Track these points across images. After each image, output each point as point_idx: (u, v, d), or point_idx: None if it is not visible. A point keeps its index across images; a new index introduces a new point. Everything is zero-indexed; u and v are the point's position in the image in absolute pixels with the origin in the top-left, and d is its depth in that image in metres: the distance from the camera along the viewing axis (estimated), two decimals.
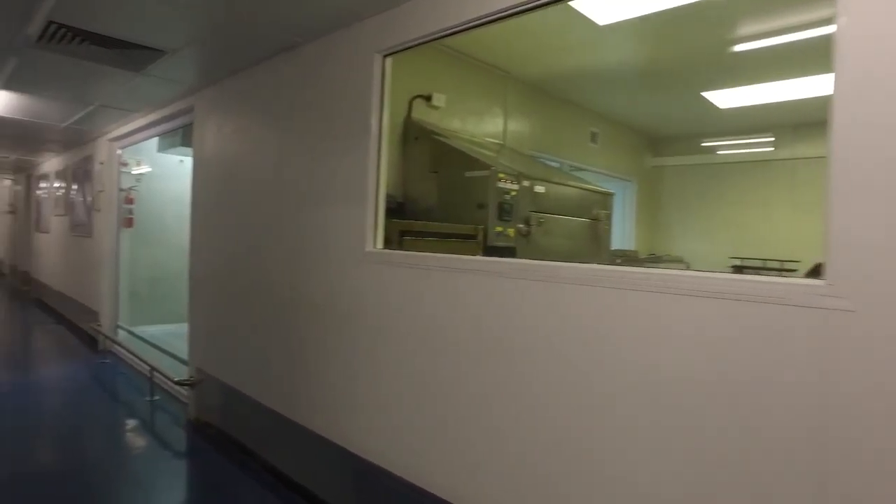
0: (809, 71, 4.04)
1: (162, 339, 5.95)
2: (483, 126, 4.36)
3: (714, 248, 6.12)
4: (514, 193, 3.44)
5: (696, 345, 1.61)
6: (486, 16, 2.24)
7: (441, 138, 3.57)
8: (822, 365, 1.38)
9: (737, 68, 4.17)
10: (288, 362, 3.29)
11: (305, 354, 3.14)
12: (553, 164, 5.14)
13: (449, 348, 2.32)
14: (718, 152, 6.42)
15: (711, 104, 5.00)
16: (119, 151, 6.56)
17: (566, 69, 4.44)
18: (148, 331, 6.43)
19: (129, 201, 6.71)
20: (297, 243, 3.24)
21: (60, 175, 8.86)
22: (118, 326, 6.59)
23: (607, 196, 4.41)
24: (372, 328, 2.70)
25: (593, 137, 5.75)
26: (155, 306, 6.91)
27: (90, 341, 6.73)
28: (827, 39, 1.47)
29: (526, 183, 3.54)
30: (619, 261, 5.03)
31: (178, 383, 4.45)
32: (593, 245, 4.18)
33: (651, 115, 5.96)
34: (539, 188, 3.67)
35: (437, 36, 2.49)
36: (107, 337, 6.37)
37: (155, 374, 4.93)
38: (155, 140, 6.19)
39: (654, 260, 5.92)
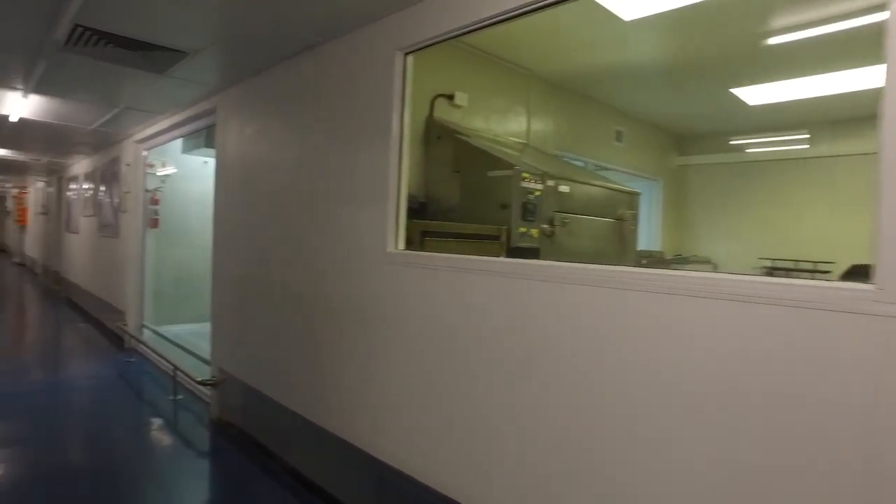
0: (853, 63, 3.86)
1: (186, 338, 6.02)
2: (506, 125, 4.30)
3: (742, 249, 5.96)
4: (537, 193, 3.37)
5: (726, 354, 1.53)
6: (509, 11, 2.18)
7: (463, 137, 3.52)
8: (871, 378, 1.29)
9: (770, 63, 4.03)
10: (308, 363, 3.27)
11: (325, 356, 3.12)
12: (577, 163, 5.05)
13: (474, 352, 2.27)
14: (747, 150, 6.25)
15: (740, 101, 4.85)
16: (144, 153, 6.65)
17: (590, 66, 4.35)
18: (172, 330, 6.51)
19: (155, 202, 6.80)
20: (317, 244, 3.22)
21: (89, 177, 9.04)
22: (143, 326, 6.68)
23: (633, 196, 4.31)
24: (392, 330, 2.66)
25: (618, 136, 5.64)
26: (179, 306, 6.99)
27: (117, 340, 6.84)
28: (877, 28, 1.38)
29: (550, 182, 3.47)
30: (644, 262, 4.93)
31: (201, 383, 4.48)
32: (619, 246, 4.08)
33: (677, 113, 5.83)
34: (563, 188, 3.59)
35: (458, 33, 2.44)
36: (132, 336, 6.46)
37: (178, 373, 4.98)
38: (179, 141, 6.26)
39: (680, 261, 5.78)
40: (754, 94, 4.69)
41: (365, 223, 2.83)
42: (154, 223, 6.80)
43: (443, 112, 3.71)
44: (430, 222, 3.03)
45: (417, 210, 3.26)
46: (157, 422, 4.51)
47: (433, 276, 2.45)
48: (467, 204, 3.39)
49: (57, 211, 12.05)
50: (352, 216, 2.94)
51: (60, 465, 3.59)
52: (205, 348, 4.73)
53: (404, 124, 2.70)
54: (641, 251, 5.07)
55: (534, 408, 2.03)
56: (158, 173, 6.84)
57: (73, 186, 10.44)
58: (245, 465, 3.63)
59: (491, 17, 2.26)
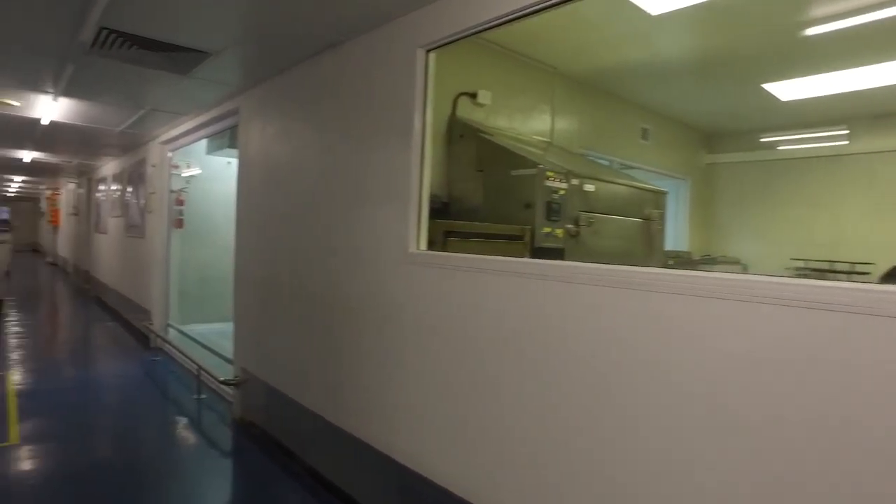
0: None
1: (210, 338, 6.07)
2: (530, 124, 4.23)
3: (773, 250, 5.78)
4: (562, 192, 3.29)
5: (757, 359, 1.44)
6: (532, 6, 2.12)
7: (487, 136, 3.46)
8: None
9: (807, 56, 3.87)
10: (327, 364, 3.25)
11: (344, 357, 3.09)
12: (602, 162, 4.95)
13: (494, 354, 2.21)
14: (779, 148, 6.06)
15: (772, 96, 4.70)
16: (170, 154, 6.74)
17: (616, 63, 4.25)
18: (197, 329, 6.57)
19: (180, 203, 6.88)
20: (337, 244, 3.19)
21: (117, 178, 9.20)
22: (168, 325, 6.76)
23: (660, 194, 4.20)
24: (411, 331, 2.62)
25: (644, 134, 5.51)
26: (204, 305, 7.06)
27: (143, 339, 6.94)
28: None
29: (575, 181, 3.39)
30: (671, 263, 4.81)
31: (224, 382, 4.50)
32: (646, 246, 3.98)
33: (705, 110, 5.67)
34: (589, 187, 3.51)
35: (480, 28, 2.38)
36: (157, 335, 6.55)
37: (202, 372, 5.01)
38: (204, 142, 6.31)
39: (708, 261, 5.63)
40: (788, 90, 4.53)
41: (386, 223, 2.79)
42: (179, 223, 6.88)
43: (465, 111, 3.66)
44: (452, 222, 2.98)
45: (440, 210, 3.22)
46: (181, 420, 4.55)
47: (455, 277, 2.40)
48: (491, 203, 3.33)
49: (87, 212, 12.33)
50: (373, 216, 2.90)
51: (90, 461, 3.65)
52: (228, 348, 4.75)
53: (426, 122, 2.66)
54: (668, 251, 4.94)
55: (551, 410, 1.96)
56: (183, 174, 6.92)
57: (101, 188, 10.66)
58: (266, 466, 3.62)
59: (513, 12, 2.20)
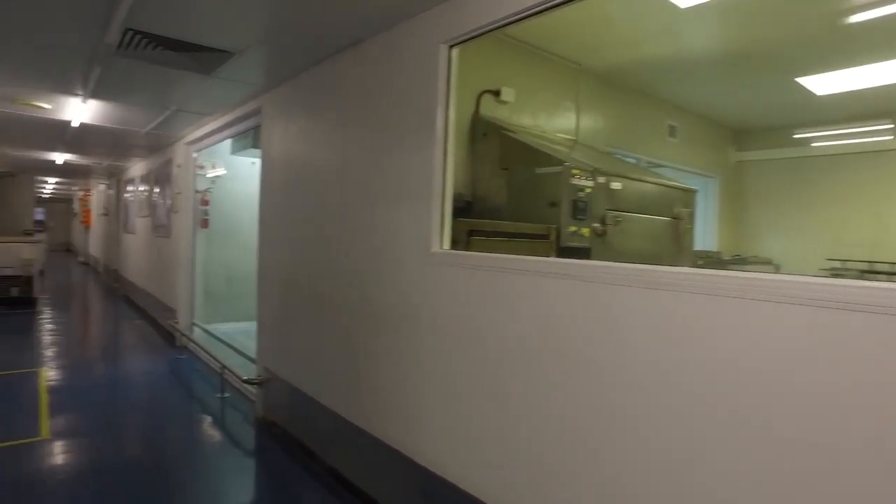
0: None
1: (234, 336, 6.12)
2: (554, 121, 4.15)
3: (808, 249, 5.58)
4: (588, 191, 3.21)
5: (795, 365, 1.36)
6: None
7: (511, 134, 3.39)
8: None
9: (846, 47, 3.70)
10: (349, 365, 3.22)
11: (367, 357, 3.06)
12: (629, 160, 4.84)
13: (522, 357, 2.15)
14: (813, 144, 5.86)
15: (807, 91, 4.53)
16: (195, 155, 6.81)
17: (642, 58, 4.14)
18: (221, 328, 6.63)
19: (205, 203, 6.96)
20: (360, 244, 3.16)
21: (144, 179, 9.36)
22: (193, 324, 6.84)
23: (689, 193, 4.08)
24: (435, 332, 2.57)
25: (672, 131, 5.38)
26: (228, 305, 7.13)
27: (169, 337, 7.04)
28: None
29: (601, 179, 3.31)
30: (700, 263, 4.67)
31: (246, 381, 4.52)
32: (674, 245, 3.87)
33: (735, 106, 5.51)
34: (615, 185, 3.42)
35: (503, 23, 2.32)
36: (182, 334, 6.62)
37: (226, 371, 5.04)
38: (228, 143, 6.37)
39: (739, 262, 5.47)
40: (825, 83, 4.36)
41: (408, 222, 2.75)
42: (204, 223, 6.96)
43: (489, 109, 3.60)
44: (476, 220, 2.93)
45: (463, 209, 3.17)
46: (205, 419, 4.58)
47: (478, 277, 2.35)
48: (515, 202, 3.27)
49: (116, 212, 12.58)
50: (395, 216, 2.86)
51: (117, 457, 3.70)
52: (252, 347, 4.77)
53: (449, 119, 2.61)
54: (697, 252, 4.81)
55: (579, 415, 1.89)
56: (208, 175, 6.99)
57: (130, 188, 10.86)
58: (288, 465, 3.62)
59: (538, 5, 2.14)
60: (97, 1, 2.82)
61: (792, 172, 5.96)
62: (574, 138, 4.29)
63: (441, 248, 2.58)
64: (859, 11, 3.17)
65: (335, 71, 3.46)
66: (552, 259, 2.24)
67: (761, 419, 1.45)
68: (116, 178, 12.64)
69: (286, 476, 3.51)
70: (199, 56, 3.52)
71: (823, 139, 5.74)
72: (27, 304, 9.31)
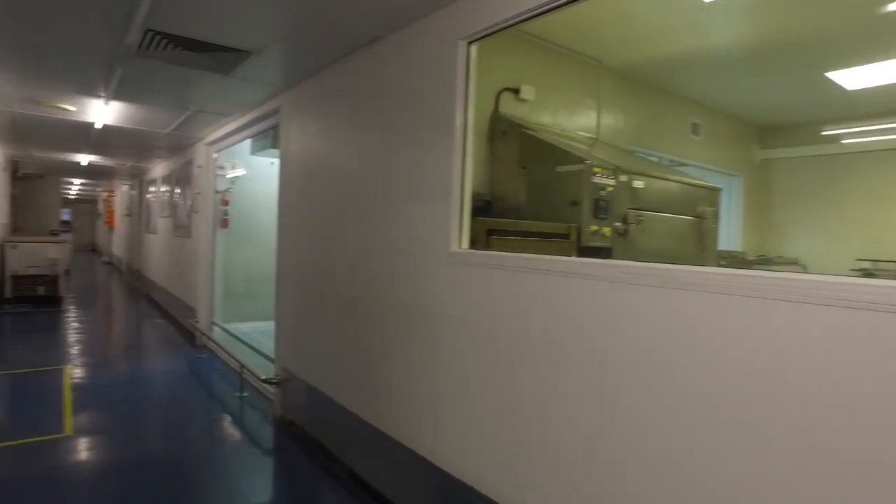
0: None
1: (253, 336, 6.15)
2: (575, 120, 4.08)
3: (836, 249, 5.43)
4: (610, 189, 3.14)
5: (830, 367, 1.29)
6: None
7: (531, 132, 3.34)
8: None
9: (882, 39, 3.56)
10: (367, 365, 3.20)
11: (386, 357, 3.03)
12: (651, 159, 4.75)
13: (543, 358, 2.11)
14: (842, 141, 5.69)
15: (837, 86, 4.40)
16: (215, 155, 6.87)
17: (665, 55, 4.06)
18: (241, 328, 6.68)
19: (225, 203, 7.01)
20: (378, 243, 3.14)
21: (166, 179, 9.48)
22: (213, 323, 6.90)
23: (714, 191, 3.99)
24: (454, 332, 2.53)
25: (695, 129, 5.27)
26: (248, 304, 7.17)
27: (189, 336, 7.11)
28: None
29: (623, 177, 3.24)
30: (724, 263, 4.57)
31: (264, 381, 4.53)
32: (698, 245, 3.78)
33: (761, 103, 5.38)
34: (638, 183, 3.35)
35: (524, 17, 2.28)
36: (202, 333, 6.68)
37: (244, 370, 5.07)
38: (248, 143, 6.41)
39: (764, 262, 5.34)
40: (857, 78, 4.22)
41: (427, 222, 2.72)
42: (224, 223, 7.01)
43: (508, 107, 3.55)
44: (495, 219, 2.88)
45: (482, 209, 3.12)
46: (224, 417, 4.61)
47: (498, 277, 2.31)
48: (535, 201, 3.22)
49: (138, 212, 12.78)
50: (413, 215, 2.83)
51: (137, 455, 3.73)
52: (270, 346, 4.79)
53: (468, 117, 2.57)
54: (721, 252, 4.71)
55: (606, 420, 1.84)
56: (228, 175, 7.04)
57: (151, 189, 11.02)
58: (306, 465, 3.61)
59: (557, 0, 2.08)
60: (118, 2, 2.84)
61: (819, 170, 5.80)
62: (595, 136, 4.22)
63: (460, 247, 2.55)
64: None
65: (353, 69, 3.44)
66: (574, 259, 2.19)
67: (794, 423, 1.39)
68: (139, 179, 12.84)
69: (305, 476, 3.51)
70: (218, 56, 3.54)
71: (853, 136, 5.57)
72: (53, 302, 9.49)
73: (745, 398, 1.49)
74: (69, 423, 4.16)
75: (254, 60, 3.60)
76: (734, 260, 4.88)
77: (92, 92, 4.83)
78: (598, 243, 3.07)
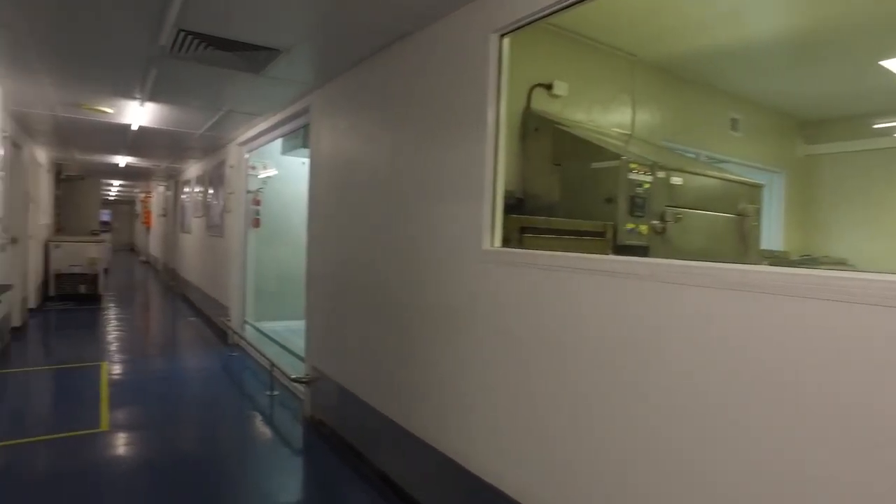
0: None
1: (284, 335, 6.19)
2: (609, 116, 3.97)
3: (889, 248, 5.16)
4: (647, 186, 3.04)
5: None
6: None
7: (564, 128, 3.25)
8: None
9: None
10: (398, 366, 3.15)
11: (416, 358, 2.98)
12: (688, 155, 4.59)
13: (576, 358, 2.02)
14: None
15: (893, 75, 4.15)
16: (246, 155, 6.95)
17: (703, 47, 3.91)
18: (272, 327, 6.74)
19: (256, 203, 7.09)
20: (408, 242, 3.10)
21: (199, 180, 9.66)
22: (245, 322, 6.98)
23: (756, 188, 3.83)
24: (487, 333, 2.47)
25: (734, 124, 5.09)
26: (279, 303, 7.23)
27: (221, 334, 7.20)
28: None
29: (661, 174, 3.12)
30: (766, 263, 4.38)
31: (294, 380, 4.54)
32: (740, 244, 3.63)
33: (806, 96, 5.15)
34: (676, 180, 3.23)
35: (556, 8, 2.19)
36: (234, 331, 6.76)
37: (275, 369, 5.09)
38: (279, 144, 6.46)
39: (809, 262, 5.12)
40: None
41: (459, 220, 2.66)
42: (256, 223, 7.09)
43: (540, 103, 3.47)
44: (528, 217, 2.81)
45: (514, 206, 3.05)
46: (255, 416, 4.63)
47: (533, 275, 2.23)
48: (569, 199, 3.13)
49: (173, 212, 13.07)
50: (445, 213, 2.78)
51: (170, 451, 3.79)
52: (302, 346, 4.80)
53: (500, 112, 2.50)
54: (763, 251, 4.52)
55: (645, 424, 1.75)
56: (260, 175, 7.12)
57: (186, 189, 11.24)
58: (336, 466, 3.60)
59: None
60: (151, 3, 2.86)
61: (869, 165, 5.52)
62: (629, 133, 4.10)
63: (492, 245, 2.48)
64: None
65: (382, 67, 3.40)
66: (613, 257, 2.10)
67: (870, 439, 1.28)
68: (174, 180, 13.13)
69: (335, 476, 3.49)
70: (249, 55, 3.55)
71: None
72: (93, 300, 9.77)
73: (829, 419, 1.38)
74: (105, 418, 4.24)
75: (284, 59, 3.60)
76: (777, 260, 4.67)
77: (128, 94, 4.93)
78: (633, 242, 2.97)
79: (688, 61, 4.23)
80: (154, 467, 3.50)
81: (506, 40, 2.50)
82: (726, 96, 4.99)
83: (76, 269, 9.73)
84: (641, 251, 2.96)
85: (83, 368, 5.69)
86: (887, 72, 4.08)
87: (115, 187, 19.38)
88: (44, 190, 9.65)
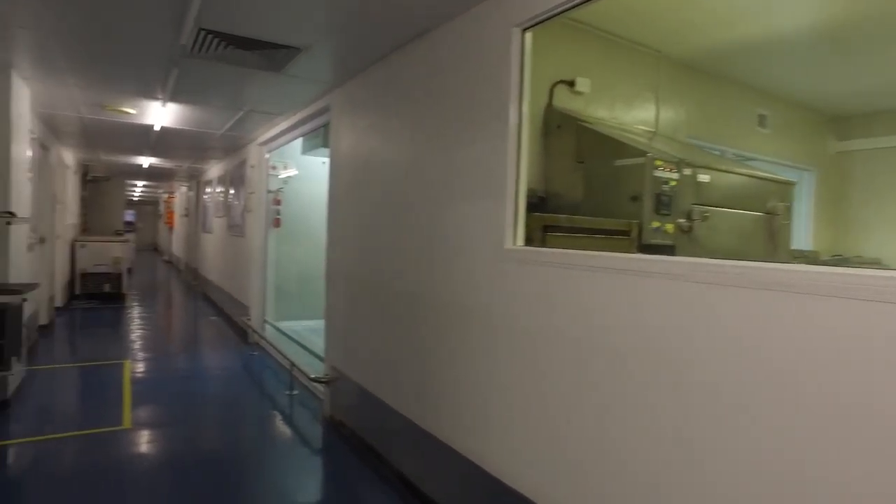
0: None
1: (304, 335, 6.20)
2: (632, 113, 3.88)
3: None
4: (673, 183, 2.95)
5: None
6: None
7: (588, 125, 3.19)
8: None
9: None
10: (418, 366, 3.12)
11: (436, 359, 2.94)
12: (714, 153, 4.48)
13: (607, 361, 1.96)
14: None
15: None
16: (267, 155, 6.98)
17: (729, 41, 3.80)
18: (292, 326, 6.75)
19: (277, 202, 7.11)
20: (430, 241, 3.05)
21: (221, 180, 9.75)
22: (265, 321, 7.01)
23: (786, 186, 3.71)
24: (508, 333, 2.41)
25: (761, 121, 4.95)
26: (299, 303, 7.24)
27: (242, 333, 7.25)
28: None
29: (687, 171, 3.04)
30: (797, 262, 4.25)
31: (314, 380, 4.53)
32: (769, 243, 3.52)
33: (838, 90, 4.99)
34: (703, 177, 3.14)
35: (580, 1, 2.13)
36: (254, 331, 6.80)
37: (294, 369, 5.09)
38: (300, 143, 6.47)
39: (840, 262, 4.96)
40: None
41: (480, 219, 2.61)
42: (277, 223, 7.11)
43: (562, 100, 3.41)
44: (551, 216, 2.74)
45: (536, 205, 2.99)
46: (274, 415, 4.64)
47: (557, 274, 2.17)
48: (592, 198, 3.06)
49: (195, 213, 13.22)
50: (466, 212, 2.73)
51: (191, 449, 3.81)
52: (322, 345, 4.79)
53: (523, 108, 2.45)
54: (793, 251, 4.39)
55: (673, 430, 1.68)
56: (280, 175, 7.14)
57: (207, 190, 11.36)
58: (355, 467, 3.57)
59: None
60: (171, 1, 2.87)
61: None
62: (653, 130, 4.01)
63: (514, 244, 2.43)
64: None
65: (402, 64, 3.37)
66: (640, 256, 2.03)
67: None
68: (196, 181, 13.28)
69: (354, 477, 3.47)
70: (269, 53, 3.54)
71: None
72: (117, 299, 9.93)
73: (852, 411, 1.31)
74: (128, 416, 4.28)
75: (304, 57, 3.59)
76: (807, 260, 4.54)
77: (150, 94, 4.97)
78: (659, 241, 2.89)
79: (714, 56, 4.12)
80: (174, 465, 3.52)
81: (528, 35, 2.45)
82: (753, 92, 4.86)
83: (101, 269, 9.90)
84: (667, 250, 2.88)
85: (107, 366, 5.76)
86: None
87: (139, 188, 19.72)
88: (71, 191, 9.83)
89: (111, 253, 10.03)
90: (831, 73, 4.51)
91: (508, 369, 2.41)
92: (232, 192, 8.67)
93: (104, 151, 9.38)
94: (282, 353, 5.49)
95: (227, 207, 8.99)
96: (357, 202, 4.02)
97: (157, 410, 4.52)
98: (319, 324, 5.01)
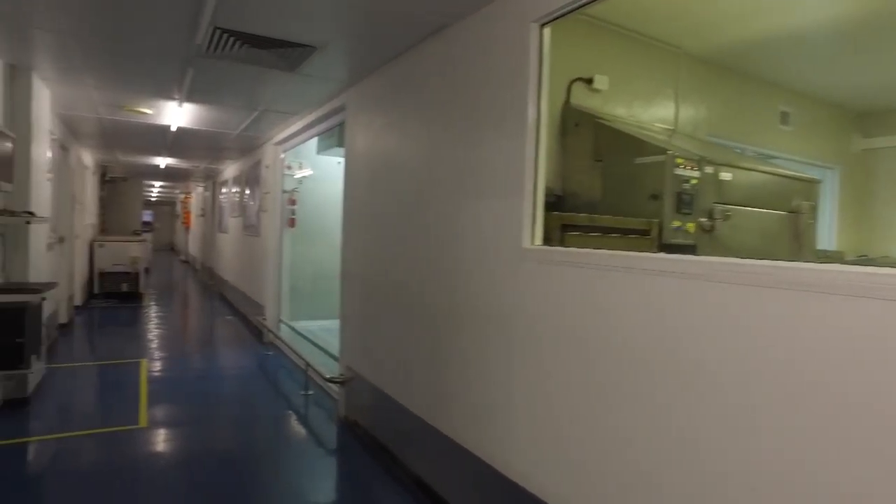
0: None
1: (319, 335, 6.20)
2: (651, 110, 3.81)
3: None
4: (694, 182, 2.89)
5: None
6: None
7: (606, 122, 3.13)
8: None
9: None
10: (433, 367, 3.08)
11: (452, 359, 2.90)
12: (735, 150, 4.39)
13: (627, 363, 1.91)
14: None
15: None
16: (282, 155, 6.99)
17: (750, 37, 3.71)
18: (307, 326, 6.76)
19: (292, 202, 7.12)
20: (445, 240, 3.02)
21: (236, 180, 9.81)
22: (280, 321, 7.02)
23: (812, 184, 3.62)
24: (526, 334, 2.37)
25: (784, 118, 4.84)
26: (314, 303, 7.25)
27: (257, 333, 7.28)
28: None
29: (709, 169, 2.97)
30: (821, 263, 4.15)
31: (329, 380, 4.52)
32: (793, 243, 3.43)
33: (862, 86, 4.86)
34: (725, 175, 3.07)
35: None
36: (270, 331, 6.81)
37: (309, 369, 5.09)
38: (315, 143, 6.47)
39: (865, 263, 4.83)
40: None
41: (498, 218, 2.57)
42: (292, 223, 7.13)
43: (580, 98, 3.35)
44: (570, 215, 2.70)
45: (553, 204, 2.94)
46: (289, 415, 4.63)
47: (576, 274, 2.12)
48: (611, 196, 3.00)
49: (211, 213, 13.33)
50: (483, 211, 2.69)
51: (206, 448, 3.81)
52: (337, 345, 4.78)
53: (541, 105, 2.41)
54: (817, 251, 4.29)
55: (699, 434, 1.63)
56: (296, 175, 7.15)
57: (223, 190, 11.44)
58: (370, 467, 3.55)
59: None
60: (187, 1, 2.86)
61: None
62: (672, 128, 3.93)
63: (532, 244, 2.38)
64: None
65: (418, 62, 3.34)
66: (661, 255, 1.97)
67: None
68: (212, 181, 13.39)
69: (369, 478, 3.44)
70: (284, 52, 3.54)
71: None
72: (134, 298, 10.04)
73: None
74: (144, 415, 4.30)
75: (319, 55, 3.58)
76: (831, 261, 4.43)
77: (167, 94, 5.00)
78: (680, 240, 2.83)
79: (735, 52, 4.03)
80: (190, 465, 3.52)
81: (546, 30, 2.40)
82: (775, 88, 4.75)
83: (119, 268, 10.01)
84: (689, 250, 2.82)
85: (124, 365, 5.81)
86: None
87: (156, 188, 19.95)
88: (89, 191, 9.95)
89: (129, 253, 10.14)
90: (855, 69, 4.39)
91: (529, 371, 2.37)
92: (247, 192, 8.72)
93: (122, 152, 9.49)
94: (297, 353, 5.50)
95: (242, 207, 9.04)
96: (372, 201, 4.00)
97: (173, 409, 4.54)
98: (334, 323, 5.00)
